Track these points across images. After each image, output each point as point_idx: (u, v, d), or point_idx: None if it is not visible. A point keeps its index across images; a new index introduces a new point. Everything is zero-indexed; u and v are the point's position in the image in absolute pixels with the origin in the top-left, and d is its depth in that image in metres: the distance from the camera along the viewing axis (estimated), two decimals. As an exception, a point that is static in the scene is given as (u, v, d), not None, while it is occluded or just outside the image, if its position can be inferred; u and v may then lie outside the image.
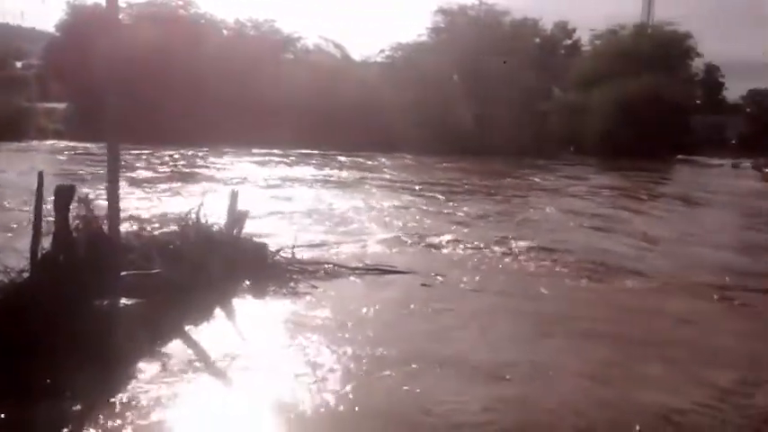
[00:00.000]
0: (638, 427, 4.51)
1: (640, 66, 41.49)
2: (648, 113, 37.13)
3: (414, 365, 5.34)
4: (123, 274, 6.21)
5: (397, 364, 5.36)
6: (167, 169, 20.32)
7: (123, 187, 7.93)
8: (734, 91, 72.05)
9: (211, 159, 24.45)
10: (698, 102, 60.36)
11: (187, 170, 20.46)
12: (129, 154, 22.08)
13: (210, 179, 18.02)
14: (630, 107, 37.64)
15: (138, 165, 20.64)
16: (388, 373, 5.19)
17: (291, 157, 26.86)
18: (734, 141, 46.96)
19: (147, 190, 15.02)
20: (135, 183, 16.10)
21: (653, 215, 15.52)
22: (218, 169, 21.25)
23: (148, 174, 18.76)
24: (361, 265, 8.57)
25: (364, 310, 6.74)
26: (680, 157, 39.00)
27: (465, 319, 6.72)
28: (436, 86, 37.53)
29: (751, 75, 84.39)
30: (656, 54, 44.66)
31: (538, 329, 6.58)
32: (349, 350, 5.60)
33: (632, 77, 39.86)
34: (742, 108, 57.96)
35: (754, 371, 5.73)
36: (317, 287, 7.48)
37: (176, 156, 25.05)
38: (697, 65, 59.57)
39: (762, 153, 43.60)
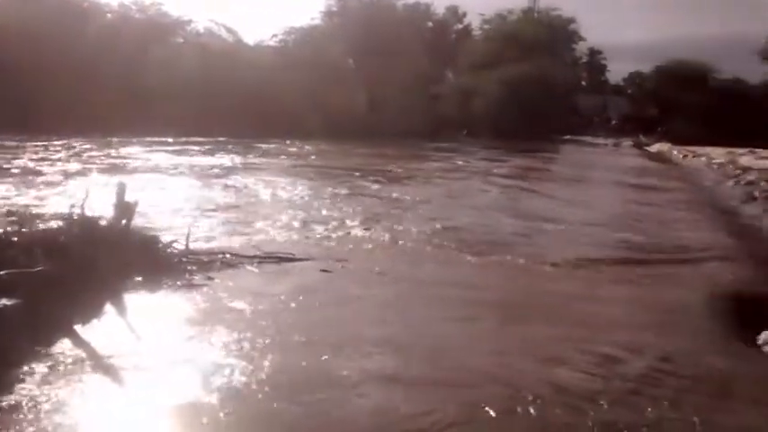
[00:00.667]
0: (529, 394, 4.69)
1: (528, 49, 42.93)
2: (537, 95, 38.54)
3: (313, 350, 5.33)
4: (1, 273, 5.85)
5: (297, 349, 5.33)
6: (48, 160, 19.23)
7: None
8: (616, 73, 75.81)
9: (95, 148, 23.33)
10: (583, 84, 63.27)
11: (70, 161, 19.43)
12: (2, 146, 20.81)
13: (96, 170, 17.21)
14: (519, 90, 38.94)
15: (13, 156, 19.44)
16: (290, 360, 5.14)
17: (182, 146, 26.05)
18: (615, 121, 49.41)
19: (26, 183, 14.17)
20: (11, 175, 15.16)
21: (544, 193, 16.14)
22: (105, 159, 20.33)
23: (29, 165, 17.70)
24: (259, 253, 8.44)
25: (261, 299, 6.64)
26: (567, 137, 40.73)
27: (364, 302, 6.76)
28: (331, 70, 37.45)
29: (632, 58, 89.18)
30: (542, 38, 46.36)
31: (443, 309, 6.72)
32: (247, 341, 5.51)
33: (521, 61, 41.18)
34: (623, 89, 61.14)
35: (637, 338, 6.07)
36: (213, 278, 7.31)
37: (58, 145, 23.74)
38: (581, 48, 62.45)
39: (642, 132, 46.23)
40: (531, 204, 14.47)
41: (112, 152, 22.59)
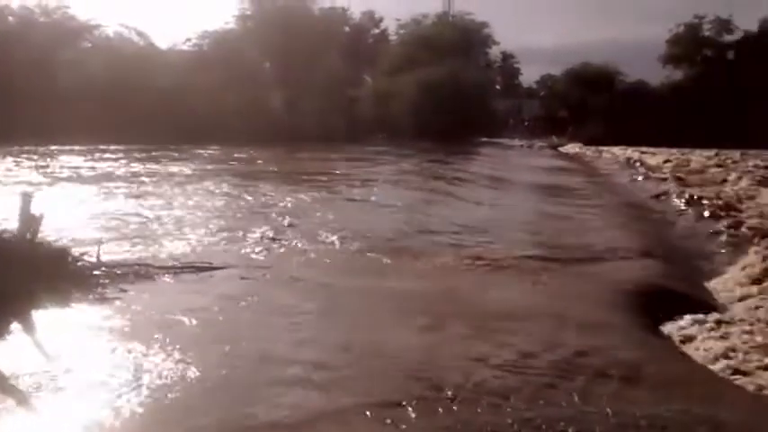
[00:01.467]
0: (449, 393, 4.74)
1: (443, 53, 43.64)
2: (452, 98, 39.17)
3: (235, 361, 5.23)
4: None
5: (216, 361, 5.22)
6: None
7: None
8: (528, 76, 77.89)
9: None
10: (497, 87, 64.79)
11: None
12: None
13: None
14: (436, 93, 39.51)
15: None
16: (206, 375, 5.03)
17: (93, 153, 25.11)
18: (528, 123, 50.80)
19: None
20: None
21: (460, 195, 16.41)
22: (11, 168, 19.36)
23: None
24: (175, 263, 8.22)
25: (176, 310, 6.46)
26: (483, 139, 41.57)
27: (280, 308, 6.69)
28: (247, 75, 36.99)
29: (543, 61, 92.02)
30: (457, 42, 47.21)
31: (364, 312, 6.73)
32: (161, 355, 5.34)
33: (436, 65, 41.80)
34: (536, 92, 62.99)
35: (552, 334, 6.25)
36: (127, 291, 7.06)
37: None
38: (495, 52, 63.95)
39: (554, 133, 47.76)
40: (449, 206, 14.70)
41: (18, 160, 21.54)
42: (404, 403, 4.59)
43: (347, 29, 52.71)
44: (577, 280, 8.60)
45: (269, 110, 36.04)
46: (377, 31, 57.47)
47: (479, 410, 4.52)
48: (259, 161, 23.81)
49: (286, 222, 11.49)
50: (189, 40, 42.76)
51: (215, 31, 43.00)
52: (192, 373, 5.01)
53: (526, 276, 8.66)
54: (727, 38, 50.92)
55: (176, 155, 25.45)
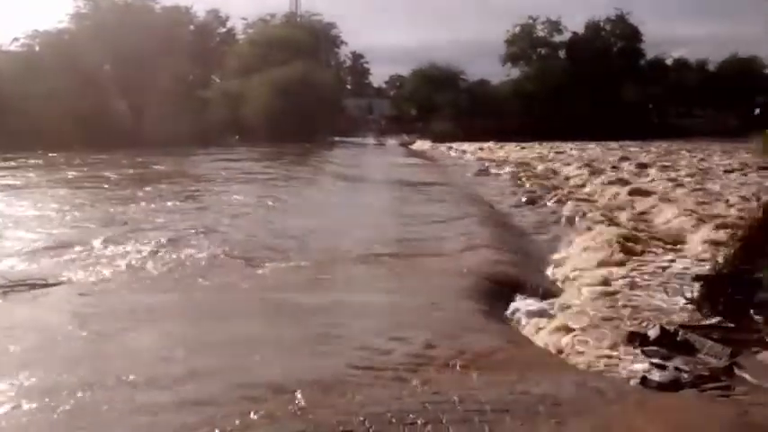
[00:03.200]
0: (300, 395, 4.70)
1: (293, 53, 43.42)
2: (304, 99, 39.09)
3: (70, 384, 4.89)
4: None
5: (45, 390, 4.86)
6: None
7: None
8: (378, 76, 79.33)
9: None
10: (348, 87, 65.48)
11: None
12: None
13: None
14: (287, 93, 39.24)
15: None
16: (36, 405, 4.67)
17: None
18: (379, 122, 51.74)
19: None
20: None
21: (317, 196, 16.39)
22: None
23: None
24: (4, 282, 7.58)
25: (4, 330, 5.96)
26: (336, 138, 41.82)
27: (118, 324, 6.36)
28: (84, 77, 34.81)
29: (392, 61, 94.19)
30: (306, 42, 47.19)
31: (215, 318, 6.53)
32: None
33: (286, 65, 41.53)
34: (386, 92, 64.30)
35: (405, 327, 6.36)
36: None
37: None
38: (345, 53, 64.67)
39: (404, 131, 48.96)
40: (304, 207, 14.64)
41: None
42: (250, 411, 4.50)
43: (192, 28, 51.11)
44: (426, 273, 8.83)
45: (111, 114, 34.20)
46: (223, 30, 56.23)
47: (331, 410, 4.51)
48: (100, 166, 22.51)
49: (125, 230, 10.95)
50: (17, 39, 39.76)
51: (47, 31, 40.23)
52: (15, 398, 4.64)
53: (376, 272, 8.80)
54: (558, 38, 54.53)
55: (2, 163, 23.52)
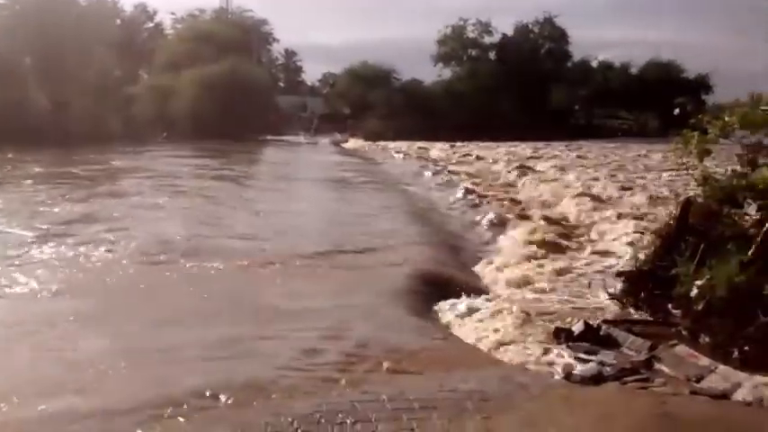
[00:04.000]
0: (228, 397, 4.64)
1: (223, 50, 42.65)
2: (234, 96, 38.43)
3: None
4: None
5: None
6: None
7: None
8: (312, 74, 78.94)
9: None
10: (281, 84, 64.90)
11: None
12: None
13: None
14: (217, 90, 38.49)
15: None
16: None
17: None
18: (313, 120, 51.46)
19: None
20: None
21: (247, 197, 16.14)
22: None
23: None
24: None
25: None
26: (269, 137, 41.31)
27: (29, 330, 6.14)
28: (3, 71, 33.24)
29: (325, 59, 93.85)
30: (237, 38, 46.45)
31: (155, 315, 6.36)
32: None
33: (216, 61, 40.77)
34: (319, 90, 64.02)
35: (337, 327, 6.35)
36: None
37: None
38: (277, 50, 64.09)
39: (338, 129, 48.87)
40: (234, 208, 14.40)
41: None
42: (178, 411, 4.42)
43: (119, 22, 49.66)
44: (359, 272, 8.86)
45: (32, 109, 32.79)
46: (151, 25, 54.80)
47: (260, 413, 4.46)
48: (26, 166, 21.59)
49: (48, 228, 10.58)
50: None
51: (-40, 23, 38.26)
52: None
53: (311, 273, 8.75)
54: (488, 39, 55.42)
55: None
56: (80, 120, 32.90)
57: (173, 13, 55.04)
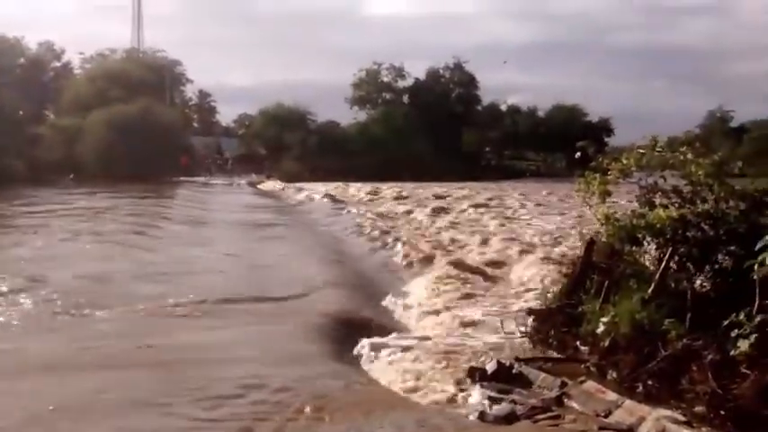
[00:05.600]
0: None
1: (135, 90, 41.85)
2: (146, 136, 37.58)
3: None
4: None
5: None
6: None
7: None
8: (226, 115, 78.28)
9: None
10: (195, 125, 63.97)
11: None
12: None
13: None
14: (127, 130, 37.56)
15: None
16: None
17: None
18: (229, 161, 50.78)
19: None
20: None
21: (151, 244, 15.55)
22: None
23: None
24: None
25: None
26: (182, 178, 40.39)
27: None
28: None
29: (239, 100, 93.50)
30: (149, 79, 45.71)
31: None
32: None
33: (127, 101, 39.90)
34: (234, 131, 63.42)
35: (254, 374, 6.24)
36: None
37: None
38: (193, 90, 63.33)
39: (254, 170, 48.40)
40: (147, 254, 13.97)
41: None
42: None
43: (22, 60, 47.98)
44: (276, 317, 8.76)
45: None
46: (58, 64, 53.06)
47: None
48: None
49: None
50: None
51: None
52: None
53: (224, 318, 8.60)
54: (401, 83, 56.64)
55: None
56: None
57: (81, 53, 53.61)
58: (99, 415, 5.30)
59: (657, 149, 7.55)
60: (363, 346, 7.41)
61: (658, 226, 6.90)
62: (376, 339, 7.59)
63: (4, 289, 9.62)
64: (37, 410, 5.33)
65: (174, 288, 10.13)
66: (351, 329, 8.09)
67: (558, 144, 55.25)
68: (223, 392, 5.77)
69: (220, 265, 12.59)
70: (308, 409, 5.40)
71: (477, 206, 23.93)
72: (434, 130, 50.95)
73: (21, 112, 40.54)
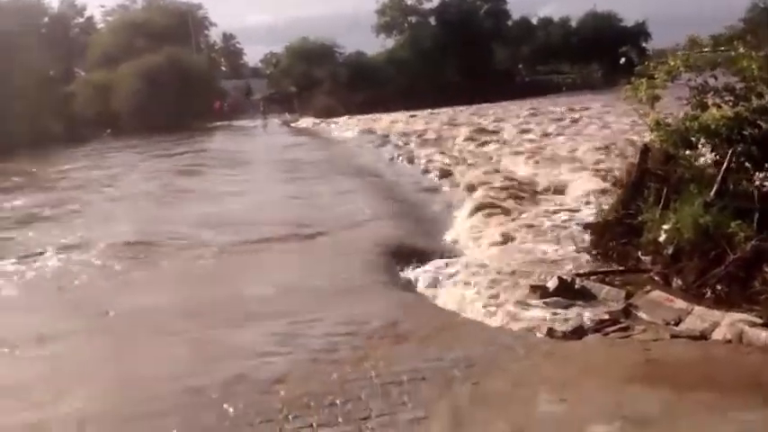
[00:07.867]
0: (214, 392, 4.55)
1: (159, 39, 41.48)
2: (176, 85, 37.31)
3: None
4: None
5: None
6: None
7: None
8: (253, 56, 77.40)
9: None
10: (223, 69, 63.64)
11: None
12: None
13: None
14: (157, 81, 37.34)
15: None
16: None
17: None
18: (260, 102, 50.50)
19: None
20: None
21: (206, 183, 15.77)
22: None
23: None
24: None
25: None
26: (216, 123, 40.43)
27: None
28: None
29: (265, 40, 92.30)
30: (172, 25, 45.27)
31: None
32: None
33: (153, 51, 39.60)
34: (262, 71, 62.90)
35: (317, 309, 6.28)
36: None
37: None
38: (217, 33, 62.77)
39: (286, 110, 48.20)
40: (198, 195, 14.12)
41: None
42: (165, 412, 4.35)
43: (46, 19, 47.91)
44: (332, 250, 8.81)
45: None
46: (81, 20, 52.91)
47: (248, 403, 4.38)
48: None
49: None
50: None
51: None
52: None
53: (286, 255, 8.69)
54: (427, 5, 55.07)
55: None
56: (15, 124, 31.66)
57: (102, 6, 53.32)
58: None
59: (704, 49, 7.22)
60: (421, 270, 7.40)
61: (713, 127, 6.64)
62: (431, 264, 7.57)
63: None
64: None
65: (236, 228, 10.23)
66: (406, 256, 8.07)
67: (595, 54, 53.57)
68: (288, 328, 5.80)
69: (270, 205, 12.58)
70: (374, 338, 5.41)
71: (519, 126, 23.32)
72: (464, 49, 49.69)
73: (51, 72, 40.68)
